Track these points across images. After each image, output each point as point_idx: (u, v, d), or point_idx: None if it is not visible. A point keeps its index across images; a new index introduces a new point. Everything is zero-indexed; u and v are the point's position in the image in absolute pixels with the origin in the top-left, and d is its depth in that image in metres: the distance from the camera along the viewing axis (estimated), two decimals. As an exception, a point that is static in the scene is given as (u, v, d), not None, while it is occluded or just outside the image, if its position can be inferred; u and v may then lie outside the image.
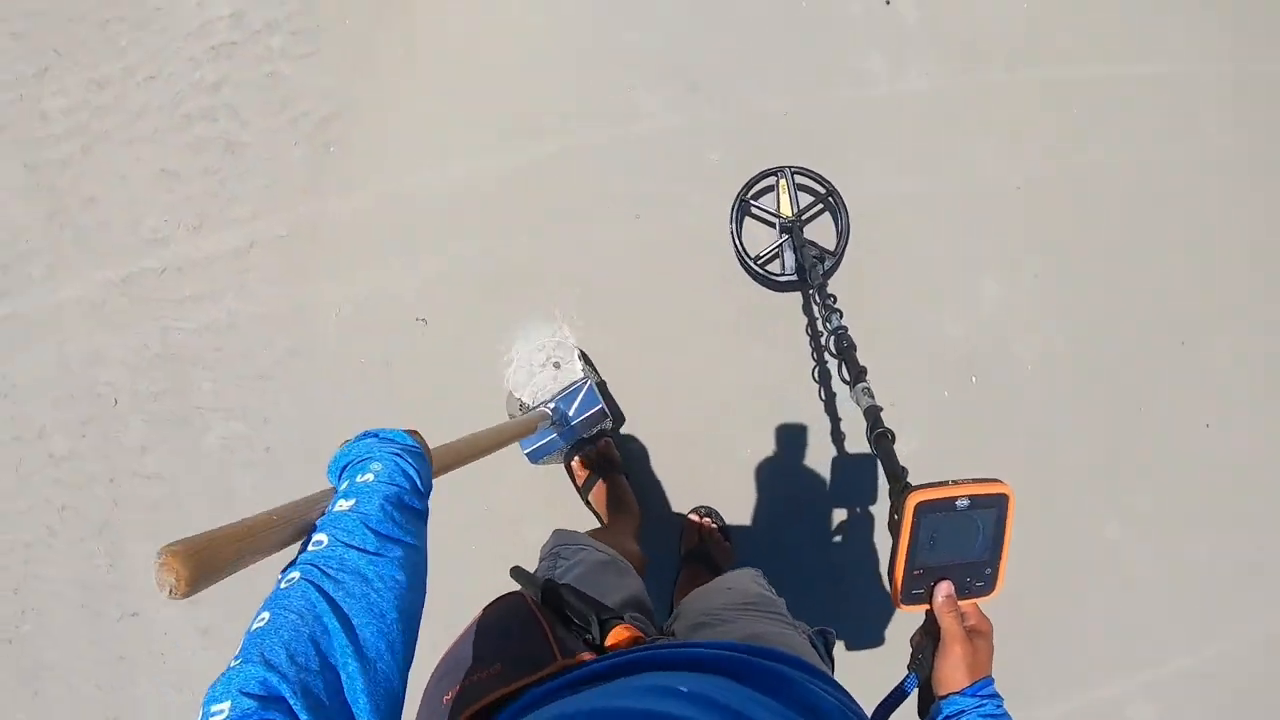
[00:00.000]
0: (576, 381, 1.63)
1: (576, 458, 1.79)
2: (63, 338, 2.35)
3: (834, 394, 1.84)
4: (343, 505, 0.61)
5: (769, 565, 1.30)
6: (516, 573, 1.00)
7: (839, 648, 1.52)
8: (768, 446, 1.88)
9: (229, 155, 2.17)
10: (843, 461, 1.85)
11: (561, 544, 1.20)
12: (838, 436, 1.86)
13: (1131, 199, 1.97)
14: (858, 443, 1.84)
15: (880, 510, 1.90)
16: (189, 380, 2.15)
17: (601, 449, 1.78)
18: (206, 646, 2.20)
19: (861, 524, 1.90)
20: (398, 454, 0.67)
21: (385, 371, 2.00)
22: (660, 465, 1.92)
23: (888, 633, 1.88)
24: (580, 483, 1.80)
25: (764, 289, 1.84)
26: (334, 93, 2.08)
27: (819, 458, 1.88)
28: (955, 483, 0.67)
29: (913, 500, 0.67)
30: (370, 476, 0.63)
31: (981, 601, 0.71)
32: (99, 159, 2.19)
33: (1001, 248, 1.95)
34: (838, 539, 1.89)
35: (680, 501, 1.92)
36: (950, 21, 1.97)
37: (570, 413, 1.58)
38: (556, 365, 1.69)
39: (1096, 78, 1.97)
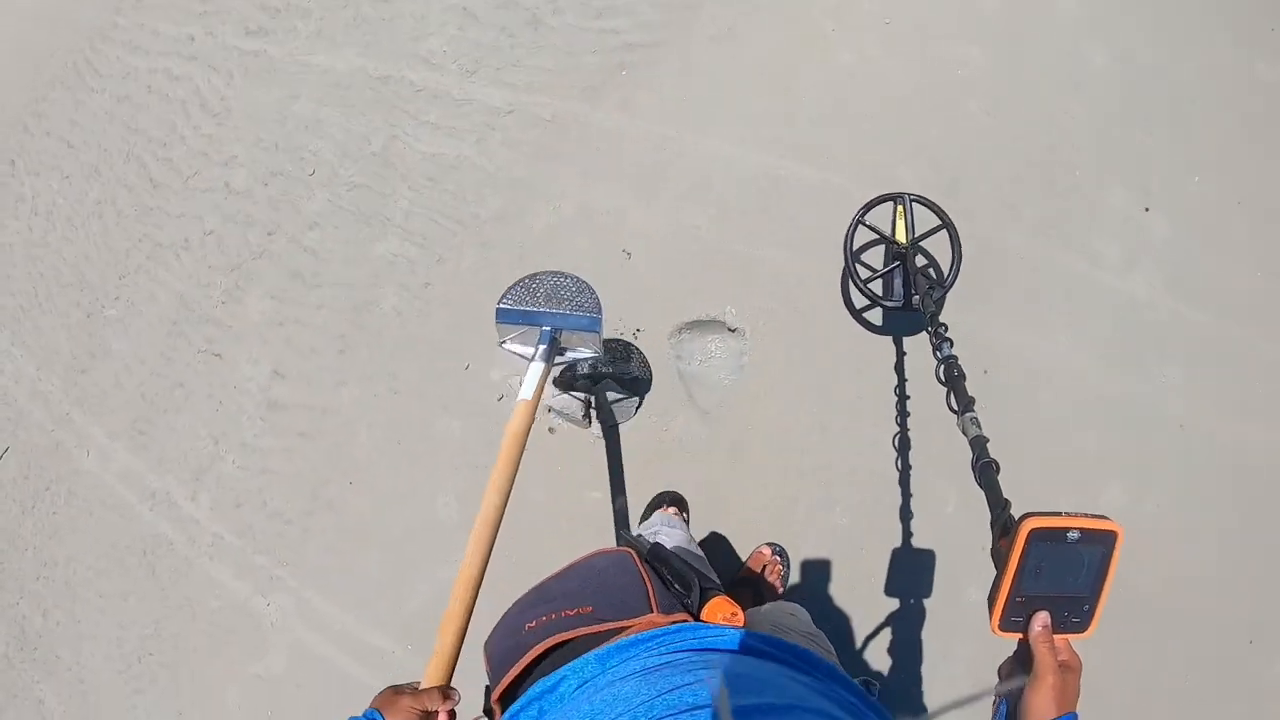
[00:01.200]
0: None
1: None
2: (296, 94, 2.47)
3: (910, 466, 1.88)
4: None
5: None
6: (623, 536, 1.06)
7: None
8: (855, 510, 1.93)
9: (530, 27, 2.30)
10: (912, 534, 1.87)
11: (665, 524, 1.25)
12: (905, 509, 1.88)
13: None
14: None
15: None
16: (390, 189, 2.25)
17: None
18: (264, 419, 2.27)
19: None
20: None
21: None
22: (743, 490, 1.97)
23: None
24: None
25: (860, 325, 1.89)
26: (652, 27, 2.20)
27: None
28: (1069, 514, 0.68)
29: (1027, 526, 0.67)
30: None
31: (1075, 638, 0.70)
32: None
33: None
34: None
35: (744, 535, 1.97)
36: (1190, 259, 2.03)
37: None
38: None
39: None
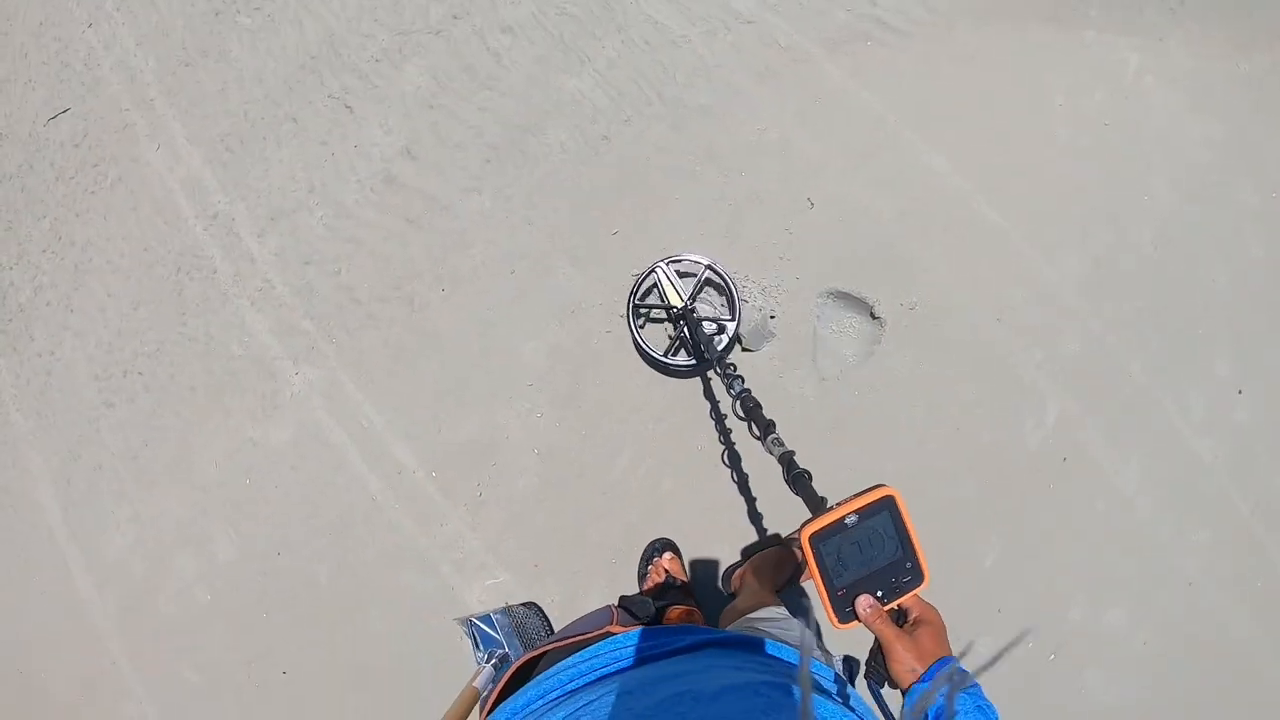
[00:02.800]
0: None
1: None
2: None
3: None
4: None
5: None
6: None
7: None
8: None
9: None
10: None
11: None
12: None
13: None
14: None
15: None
16: (602, 33, 2.15)
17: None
18: (375, 190, 2.11)
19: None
20: None
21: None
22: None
23: None
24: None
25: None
26: (908, 17, 2.20)
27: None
28: (838, 504, 0.70)
29: (805, 534, 0.69)
30: None
31: (917, 592, 0.72)
32: None
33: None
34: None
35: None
36: (1252, 452, 2.15)
37: None
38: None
39: None
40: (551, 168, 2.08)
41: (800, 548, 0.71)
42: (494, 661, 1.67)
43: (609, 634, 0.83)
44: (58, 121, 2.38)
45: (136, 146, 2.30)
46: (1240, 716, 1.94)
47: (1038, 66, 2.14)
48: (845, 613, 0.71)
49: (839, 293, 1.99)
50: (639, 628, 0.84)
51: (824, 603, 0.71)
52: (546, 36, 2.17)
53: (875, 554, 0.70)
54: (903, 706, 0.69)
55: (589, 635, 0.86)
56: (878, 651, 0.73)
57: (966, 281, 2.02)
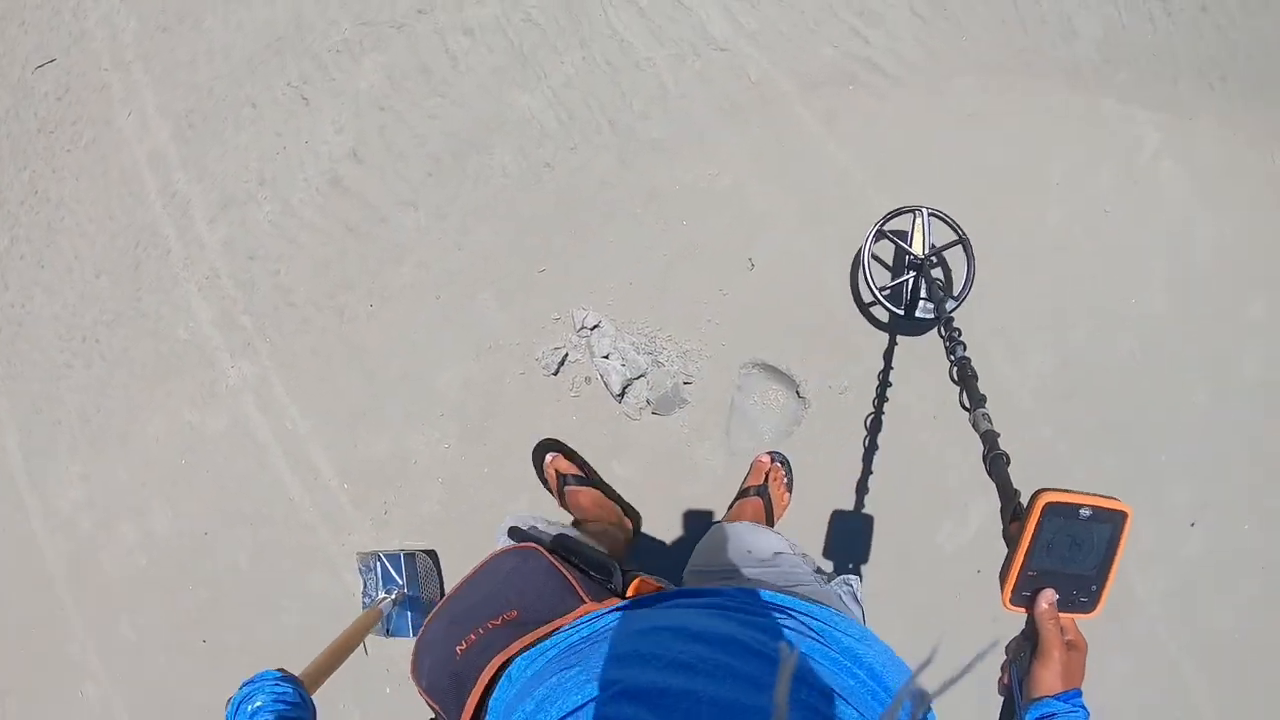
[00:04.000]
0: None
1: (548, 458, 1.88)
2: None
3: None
4: None
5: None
6: (516, 532, 1.02)
7: None
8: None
9: (791, -32, 2.03)
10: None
11: (536, 517, 1.15)
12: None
13: None
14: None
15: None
16: (564, 46, 2.01)
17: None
18: (321, 191, 2.09)
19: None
20: (275, 683, 0.90)
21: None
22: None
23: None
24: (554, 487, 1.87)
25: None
26: (902, 62, 1.97)
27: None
28: (1082, 492, 0.69)
29: (1043, 499, 0.68)
30: (259, 702, 0.86)
31: (1081, 618, 0.71)
32: None
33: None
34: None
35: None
36: (1195, 589, 2.00)
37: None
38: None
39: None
40: (491, 191, 2.00)
41: (1028, 508, 0.69)
42: (393, 597, 1.79)
43: (589, 613, 0.76)
44: (44, 71, 2.42)
45: (111, 109, 2.32)
46: None
47: (1041, 136, 1.90)
48: (1023, 596, 0.70)
49: (765, 365, 1.90)
50: (617, 606, 0.76)
51: (1012, 574, 0.69)
52: (506, 44, 2.04)
53: (1079, 558, 0.69)
54: (1021, 714, 0.70)
55: (564, 620, 0.76)
56: (1026, 649, 0.72)
57: (910, 371, 1.89)
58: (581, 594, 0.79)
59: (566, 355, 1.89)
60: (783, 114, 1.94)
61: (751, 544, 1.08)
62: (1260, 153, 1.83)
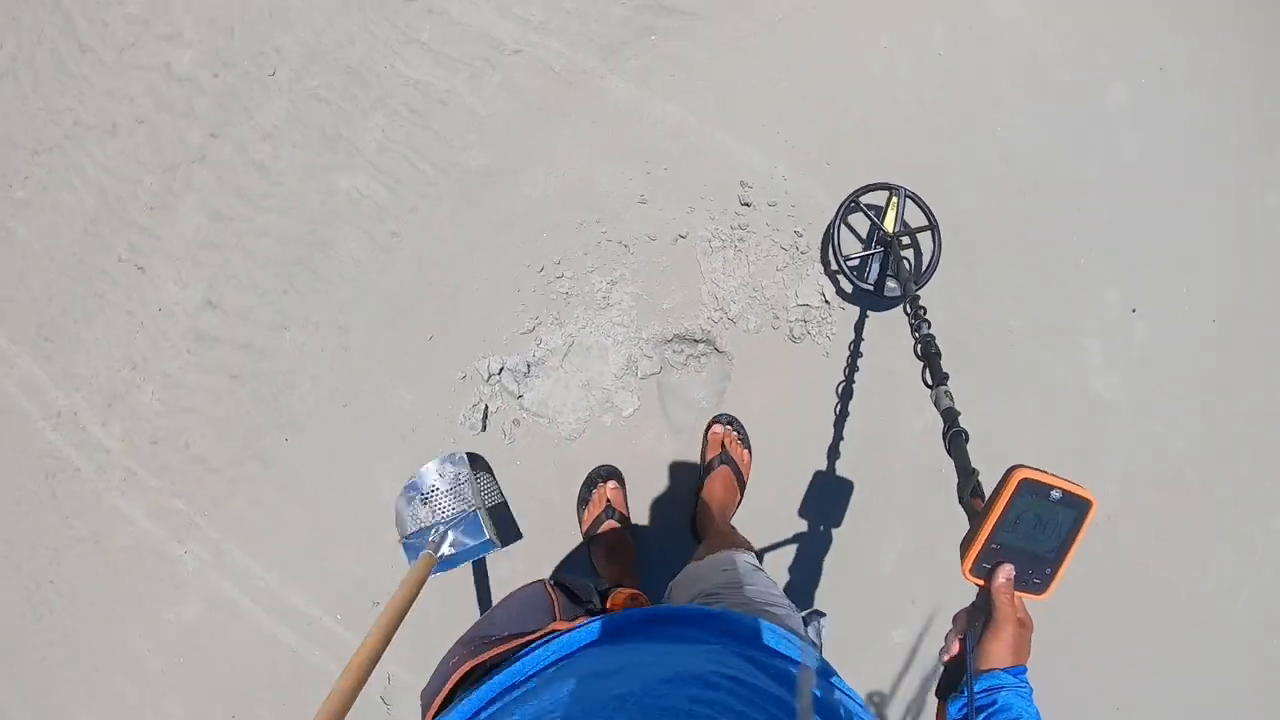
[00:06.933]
0: (465, 511, 1.41)
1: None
2: (263, -25, 2.08)
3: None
4: None
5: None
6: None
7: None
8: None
9: None
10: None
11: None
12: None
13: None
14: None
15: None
16: (364, 112, 1.95)
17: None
18: (192, 352, 2.02)
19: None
20: None
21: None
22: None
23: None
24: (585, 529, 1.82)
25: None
26: None
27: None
28: (1057, 475, 0.70)
29: (1019, 475, 0.69)
30: None
31: (1032, 599, 0.72)
32: None
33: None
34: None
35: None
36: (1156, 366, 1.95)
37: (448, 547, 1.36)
38: (424, 501, 1.42)
39: None
40: (350, 282, 1.93)
41: (1002, 481, 0.70)
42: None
43: (554, 632, 0.78)
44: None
45: (-35, 359, 2.23)
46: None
47: (861, 12, 1.83)
48: (982, 568, 0.72)
49: (677, 335, 1.84)
50: (585, 623, 0.78)
51: (976, 544, 0.71)
52: (307, 132, 1.96)
53: (1041, 538, 0.70)
54: (966, 686, 0.69)
55: (530, 637, 0.79)
56: (978, 621, 0.72)
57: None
58: (557, 613, 0.83)
59: (486, 408, 1.83)
60: (597, 90, 1.87)
61: (727, 564, 1.14)
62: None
